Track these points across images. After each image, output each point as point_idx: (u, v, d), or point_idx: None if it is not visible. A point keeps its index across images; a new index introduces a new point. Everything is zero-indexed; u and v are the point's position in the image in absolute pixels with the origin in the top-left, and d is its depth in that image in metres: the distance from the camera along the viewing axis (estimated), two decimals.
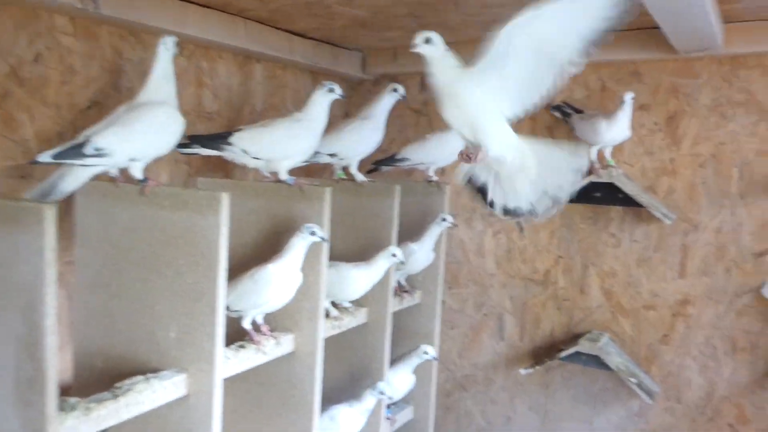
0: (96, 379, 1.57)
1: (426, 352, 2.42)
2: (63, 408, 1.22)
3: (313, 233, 1.73)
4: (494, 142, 1.59)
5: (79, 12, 1.74)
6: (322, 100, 1.91)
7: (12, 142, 1.70)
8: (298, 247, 1.74)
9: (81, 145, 1.45)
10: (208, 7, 2.05)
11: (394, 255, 2.11)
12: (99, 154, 1.46)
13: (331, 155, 2.12)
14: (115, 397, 1.31)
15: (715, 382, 2.38)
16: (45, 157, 1.40)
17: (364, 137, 2.16)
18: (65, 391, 1.65)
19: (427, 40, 1.55)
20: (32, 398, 1.11)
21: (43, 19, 1.74)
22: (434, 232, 2.43)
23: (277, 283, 1.68)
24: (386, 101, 2.21)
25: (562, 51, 1.42)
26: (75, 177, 1.50)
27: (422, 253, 2.41)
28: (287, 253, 1.73)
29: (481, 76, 1.50)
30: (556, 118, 2.56)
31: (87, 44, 1.85)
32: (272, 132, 1.85)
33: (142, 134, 1.53)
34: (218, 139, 1.83)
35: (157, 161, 2.05)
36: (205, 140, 1.85)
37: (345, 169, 2.23)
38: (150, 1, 1.88)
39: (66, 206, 1.80)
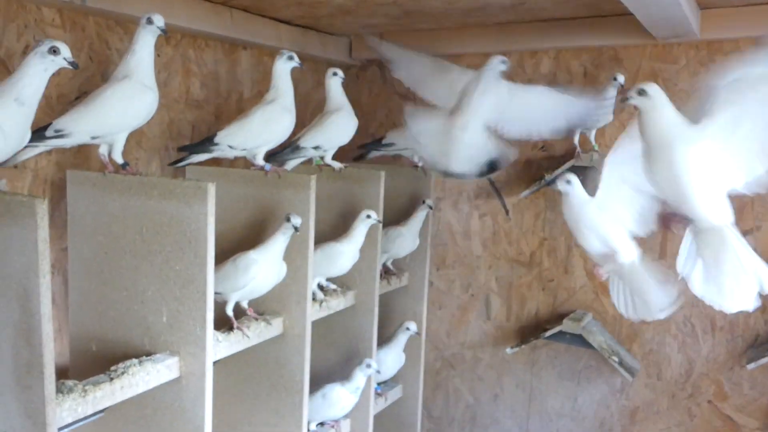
0: (91, 362, 1.62)
1: (408, 328, 2.50)
2: (61, 390, 1.27)
3: (288, 219, 1.78)
4: (705, 216, 1.46)
5: (66, 4, 1.76)
6: (284, 70, 1.94)
7: None
8: (279, 239, 1.80)
9: (44, 128, 1.53)
10: None
11: (368, 216, 2.15)
12: (59, 135, 1.54)
13: (315, 148, 2.16)
14: (111, 379, 1.36)
15: (694, 360, 2.45)
16: None
17: (342, 127, 2.19)
18: (62, 374, 1.71)
19: (641, 92, 1.46)
20: (31, 382, 1.16)
21: (31, 11, 1.77)
22: (420, 216, 2.49)
23: (257, 269, 1.74)
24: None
25: None
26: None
27: (408, 236, 2.47)
28: (269, 243, 1.79)
29: (707, 136, 1.36)
30: None
31: (74, 35, 1.88)
32: (251, 121, 1.90)
33: (99, 111, 1.58)
34: (205, 143, 1.90)
35: (148, 150, 2.10)
36: (194, 148, 1.93)
37: (321, 157, 2.27)
38: None
39: (59, 195, 1.85)
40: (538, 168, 2.65)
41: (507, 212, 2.75)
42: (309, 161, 2.31)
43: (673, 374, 2.50)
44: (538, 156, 2.67)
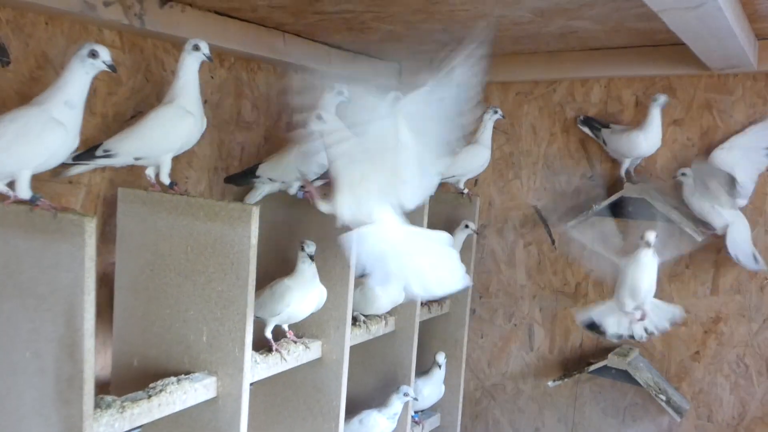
0: (132, 377, 1.65)
1: (440, 361, 2.49)
2: (99, 405, 1.30)
3: (302, 248, 1.78)
4: None
5: (126, 27, 1.82)
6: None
7: None
8: (300, 264, 1.79)
9: (95, 148, 1.62)
10: (247, 21, 2.12)
11: None
12: (107, 155, 1.61)
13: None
14: (149, 396, 1.38)
15: (747, 402, 2.36)
16: (68, 159, 1.53)
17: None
18: (104, 386, 1.75)
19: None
20: (71, 396, 1.19)
21: (93, 33, 1.84)
22: (459, 240, 2.47)
23: (291, 296, 1.75)
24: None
25: None
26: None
27: None
28: (297, 269, 1.79)
29: None
30: (585, 134, 2.57)
31: (132, 57, 1.94)
32: (288, 154, 1.94)
33: (141, 134, 1.64)
34: (248, 175, 1.98)
35: (198, 170, 2.14)
36: (237, 178, 2.02)
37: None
38: (192, 16, 1.96)
39: (110, 211, 1.90)
40: (586, 197, 2.61)
41: (553, 242, 2.71)
42: None
43: (724, 416, 2.40)
44: (587, 186, 2.62)
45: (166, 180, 1.66)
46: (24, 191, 1.30)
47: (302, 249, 1.79)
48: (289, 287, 1.75)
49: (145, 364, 1.63)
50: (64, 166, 1.58)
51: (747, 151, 2.21)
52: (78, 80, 1.40)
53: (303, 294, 1.77)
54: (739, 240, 2.20)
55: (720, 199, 2.19)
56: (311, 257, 1.79)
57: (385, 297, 2.11)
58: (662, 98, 2.24)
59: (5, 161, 1.31)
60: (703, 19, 1.52)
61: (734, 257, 2.18)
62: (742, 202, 2.23)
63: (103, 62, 1.41)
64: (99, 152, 1.60)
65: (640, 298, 2.14)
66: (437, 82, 1.58)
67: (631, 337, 2.25)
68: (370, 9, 1.92)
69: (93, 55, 1.39)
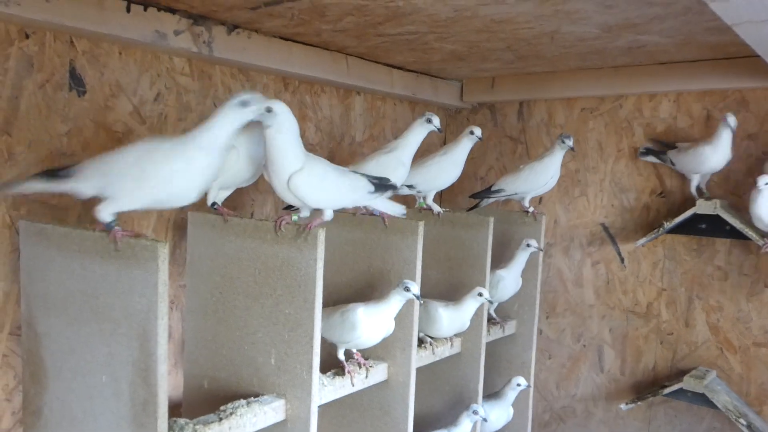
0: (203, 399, 1.67)
1: (518, 384, 2.41)
2: (173, 428, 1.32)
3: (407, 289, 1.75)
4: None
5: (194, 54, 1.88)
6: (420, 131, 1.96)
7: None
8: (393, 301, 1.77)
9: None
10: (311, 45, 2.16)
11: (480, 294, 2.11)
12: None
13: (409, 186, 2.17)
14: (220, 419, 1.39)
15: None
16: None
17: (443, 170, 2.20)
18: (176, 408, 1.78)
19: None
20: (145, 420, 1.21)
21: (164, 61, 1.90)
22: (521, 259, 2.41)
23: (363, 327, 1.72)
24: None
25: None
26: None
27: (510, 279, 2.40)
28: (382, 303, 1.76)
29: None
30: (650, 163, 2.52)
31: (201, 83, 2.00)
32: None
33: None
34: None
35: (264, 191, 2.18)
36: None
37: (424, 198, 2.26)
38: (258, 42, 2.00)
39: (180, 234, 1.95)
40: (657, 215, 2.53)
41: (622, 260, 2.63)
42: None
43: None
44: (656, 202, 2.55)
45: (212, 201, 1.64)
46: (103, 216, 1.31)
47: (406, 290, 1.75)
48: (362, 319, 1.72)
49: (216, 386, 1.65)
50: None
51: None
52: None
53: (376, 326, 1.75)
54: None
55: None
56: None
57: (447, 319, 2.09)
58: (732, 120, 2.16)
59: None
60: None
61: None
62: None
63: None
64: None
65: None
66: None
67: None
68: (433, 30, 1.93)
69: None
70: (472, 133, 2.17)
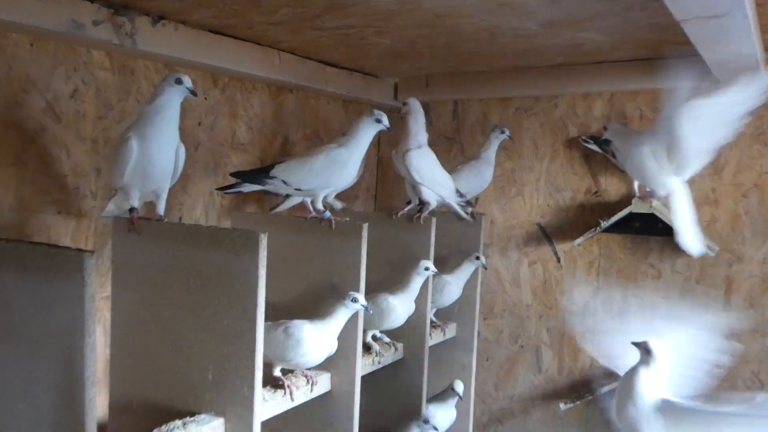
0: (132, 421, 1.53)
1: (453, 388, 2.38)
2: None
3: (355, 300, 1.67)
4: None
5: (116, 47, 1.73)
6: (367, 129, 1.84)
7: (48, 178, 1.69)
8: (339, 315, 1.67)
9: None
10: (242, 39, 2.04)
11: (427, 269, 2.05)
12: None
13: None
14: None
15: None
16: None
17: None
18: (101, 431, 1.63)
19: None
20: None
21: (81, 54, 1.74)
22: (468, 269, 2.37)
23: (308, 344, 1.61)
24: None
25: None
26: None
27: (455, 285, 2.36)
28: (328, 318, 1.66)
29: None
30: (588, 150, 2.51)
31: (123, 78, 1.85)
32: (313, 162, 1.81)
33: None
34: (260, 173, 1.82)
35: (193, 194, 2.05)
36: (248, 176, 1.84)
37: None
38: (186, 35, 1.87)
39: (102, 241, 1.80)
40: (592, 214, 2.54)
41: (558, 260, 2.63)
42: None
43: None
44: (591, 201, 2.56)
45: (161, 212, 1.55)
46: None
47: (354, 301, 1.66)
48: (309, 336, 1.61)
49: (146, 407, 1.51)
50: None
51: None
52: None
53: (322, 343, 1.64)
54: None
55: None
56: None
57: (401, 307, 2.01)
58: None
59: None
60: (725, 28, 1.46)
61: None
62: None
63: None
64: None
65: None
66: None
67: None
68: (372, 24, 1.85)
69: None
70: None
